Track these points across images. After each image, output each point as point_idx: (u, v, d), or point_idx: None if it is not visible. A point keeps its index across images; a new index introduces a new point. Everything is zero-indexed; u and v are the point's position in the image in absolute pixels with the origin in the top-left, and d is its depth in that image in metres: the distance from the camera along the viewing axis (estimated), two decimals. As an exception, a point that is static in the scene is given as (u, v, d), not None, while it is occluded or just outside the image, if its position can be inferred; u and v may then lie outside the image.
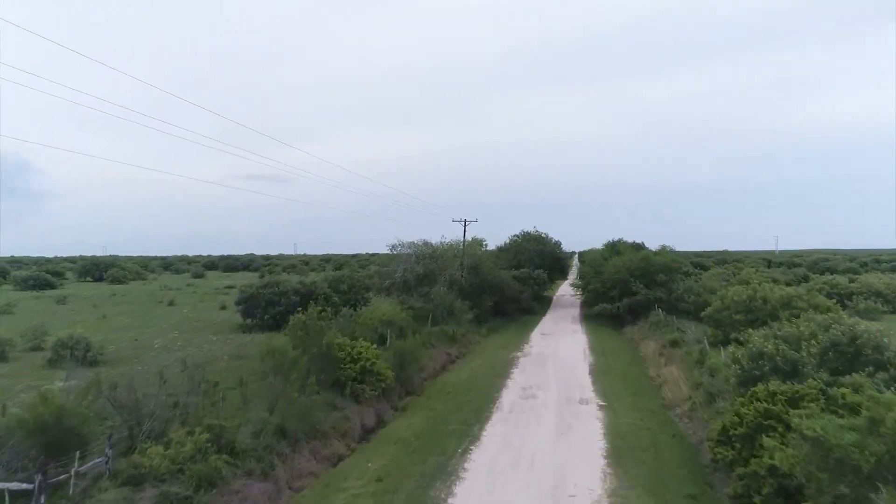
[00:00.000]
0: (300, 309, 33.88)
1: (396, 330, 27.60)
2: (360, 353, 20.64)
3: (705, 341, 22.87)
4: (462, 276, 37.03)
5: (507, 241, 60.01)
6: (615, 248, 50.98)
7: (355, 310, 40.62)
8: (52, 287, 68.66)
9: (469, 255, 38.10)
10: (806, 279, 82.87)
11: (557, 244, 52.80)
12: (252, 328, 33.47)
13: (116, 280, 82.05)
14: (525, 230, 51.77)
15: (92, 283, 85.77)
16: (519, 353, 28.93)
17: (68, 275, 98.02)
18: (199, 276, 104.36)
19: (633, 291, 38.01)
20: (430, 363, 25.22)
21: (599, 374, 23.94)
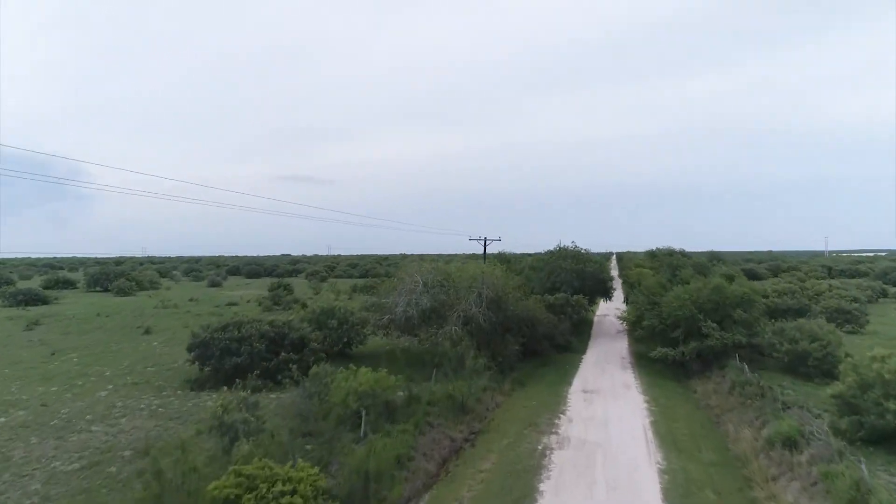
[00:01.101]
0: (268, 358, 26.09)
1: (379, 408, 19.36)
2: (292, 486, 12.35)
3: (863, 470, 13.78)
4: (481, 312, 28.49)
5: (538, 255, 51.28)
6: (673, 268, 41.65)
7: (350, 348, 32.70)
8: (45, 302, 62.66)
9: (490, 283, 29.49)
10: (884, 294, 71.50)
11: (600, 261, 43.60)
12: (205, 383, 25.68)
13: (121, 291, 76.14)
14: (562, 244, 42.92)
15: (98, 293, 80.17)
16: (552, 438, 20.27)
17: (80, 283, 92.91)
18: (215, 284, 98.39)
19: (704, 333, 28.87)
20: (419, 469, 16.80)
21: (678, 499, 15.17)
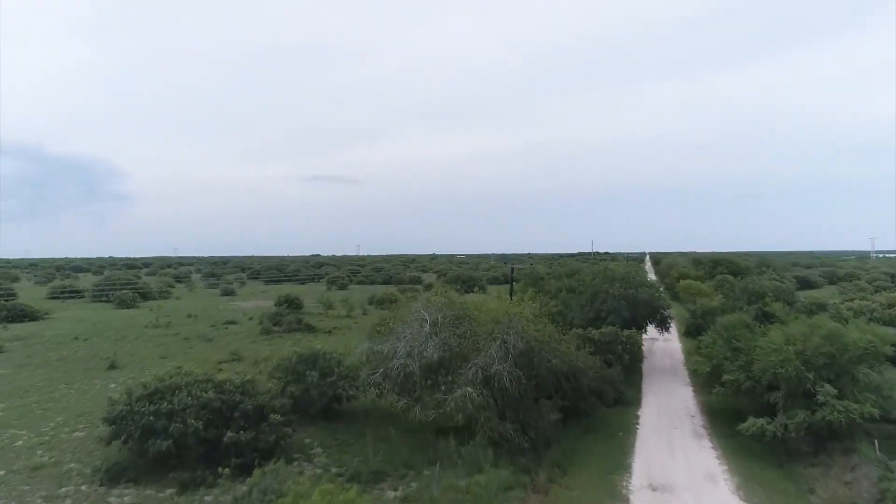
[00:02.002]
0: (208, 439, 18.74)
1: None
2: None
3: None
4: (506, 369, 20.65)
5: (568, 262, 43.25)
6: (749, 293, 33.04)
7: (338, 403, 25.26)
8: (33, 318, 56.98)
9: (519, 329, 21.57)
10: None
11: (654, 285, 35.20)
12: (123, 473, 18.45)
13: (123, 303, 70.40)
14: (594, 248, 35.15)
15: (101, 304, 74.72)
16: None
17: (88, 291, 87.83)
18: (228, 293, 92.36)
19: (818, 400, 20.54)
20: None
21: None
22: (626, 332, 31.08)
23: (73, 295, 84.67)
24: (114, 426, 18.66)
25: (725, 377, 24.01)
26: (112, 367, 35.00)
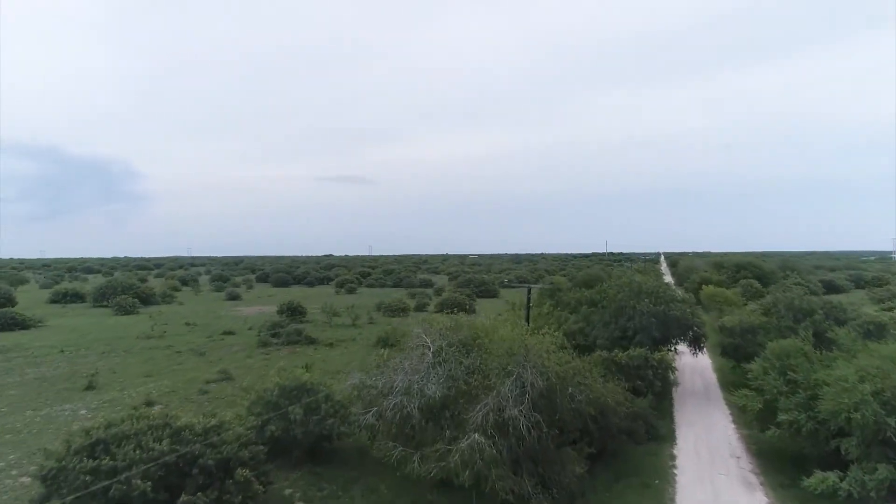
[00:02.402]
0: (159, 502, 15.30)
1: None
2: None
3: None
4: (523, 413, 17.10)
5: (586, 266, 39.55)
6: (795, 311, 29.05)
7: (328, 441, 21.84)
8: (24, 327, 54.28)
9: (538, 364, 17.97)
10: None
11: (689, 301, 31.21)
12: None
13: (122, 309, 67.66)
14: (608, 248, 31.52)
15: (100, 309, 72.10)
16: None
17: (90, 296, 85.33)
18: (234, 297, 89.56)
19: (904, 454, 16.74)
20: None
21: None
22: (658, 354, 27.30)
23: (74, 299, 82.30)
24: (46, 486, 15.35)
25: (782, 416, 20.21)
26: (89, 387, 31.87)
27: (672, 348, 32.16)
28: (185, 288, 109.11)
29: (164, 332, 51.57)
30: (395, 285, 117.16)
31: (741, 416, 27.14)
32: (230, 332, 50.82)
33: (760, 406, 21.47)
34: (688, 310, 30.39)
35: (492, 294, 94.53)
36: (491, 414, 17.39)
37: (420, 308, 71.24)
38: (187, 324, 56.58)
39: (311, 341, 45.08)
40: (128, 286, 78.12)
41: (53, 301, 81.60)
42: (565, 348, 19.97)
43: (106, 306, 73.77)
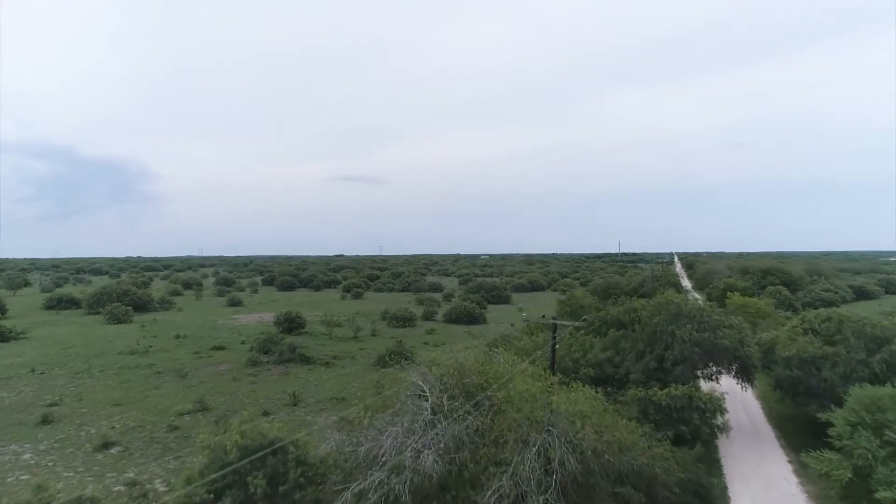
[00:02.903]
0: None
1: None
2: None
3: None
4: (546, 502, 12.66)
5: (611, 278, 35.06)
6: (872, 340, 24.25)
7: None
8: (5, 339, 50.55)
9: (568, 433, 13.49)
10: None
11: (739, 326, 26.35)
12: None
13: (114, 318, 63.91)
14: (621, 248, 27.05)
15: (94, 317, 68.42)
16: None
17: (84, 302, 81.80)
18: (235, 303, 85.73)
19: None
20: None
21: None
22: (707, 394, 22.65)
23: (69, 305, 78.82)
24: None
25: (883, 494, 15.54)
26: (45, 421, 27.76)
27: (714, 377, 27.45)
28: (187, 292, 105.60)
29: (150, 346, 47.57)
30: (404, 290, 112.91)
31: (804, 467, 22.46)
32: (220, 348, 46.72)
33: (850, 476, 16.78)
34: (737, 336, 25.62)
35: (504, 300, 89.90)
36: (506, 502, 12.94)
37: (428, 317, 66.87)
38: (177, 336, 52.58)
39: (306, 360, 40.81)
40: (123, 292, 74.43)
41: (48, 307, 78.19)
42: (607, 411, 15.39)
43: (100, 313, 70.14)
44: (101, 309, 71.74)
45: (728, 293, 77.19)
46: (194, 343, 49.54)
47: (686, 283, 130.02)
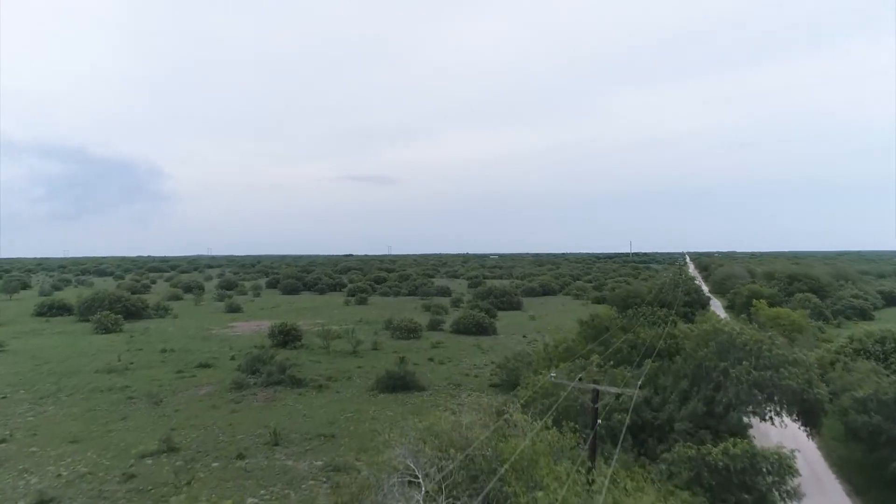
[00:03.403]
0: None
1: None
2: None
3: None
4: None
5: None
6: None
7: None
8: (-22, 352, 46.74)
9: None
10: None
11: (806, 363, 21.59)
12: None
13: (102, 327, 60.14)
14: (633, 248, 22.37)
15: (82, 325, 64.72)
16: None
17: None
18: (234, 309, 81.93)
19: None
20: None
21: None
22: (773, 451, 18.08)
23: (60, 312, 75.25)
24: None
25: None
26: (-17, 466, 23.68)
27: (768, 417, 22.76)
28: (187, 296, 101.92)
29: (131, 363, 43.57)
30: (410, 293, 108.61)
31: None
32: (206, 365, 42.56)
33: None
34: (804, 376, 20.95)
35: (514, 306, 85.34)
36: None
37: (434, 326, 62.50)
38: (163, 350, 48.53)
39: (296, 382, 36.56)
40: (116, 299, 70.68)
41: (39, 314, 74.63)
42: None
43: (91, 321, 66.43)
44: (92, 316, 68.11)
45: (754, 301, 72.21)
46: (180, 359, 45.49)
47: (703, 286, 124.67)
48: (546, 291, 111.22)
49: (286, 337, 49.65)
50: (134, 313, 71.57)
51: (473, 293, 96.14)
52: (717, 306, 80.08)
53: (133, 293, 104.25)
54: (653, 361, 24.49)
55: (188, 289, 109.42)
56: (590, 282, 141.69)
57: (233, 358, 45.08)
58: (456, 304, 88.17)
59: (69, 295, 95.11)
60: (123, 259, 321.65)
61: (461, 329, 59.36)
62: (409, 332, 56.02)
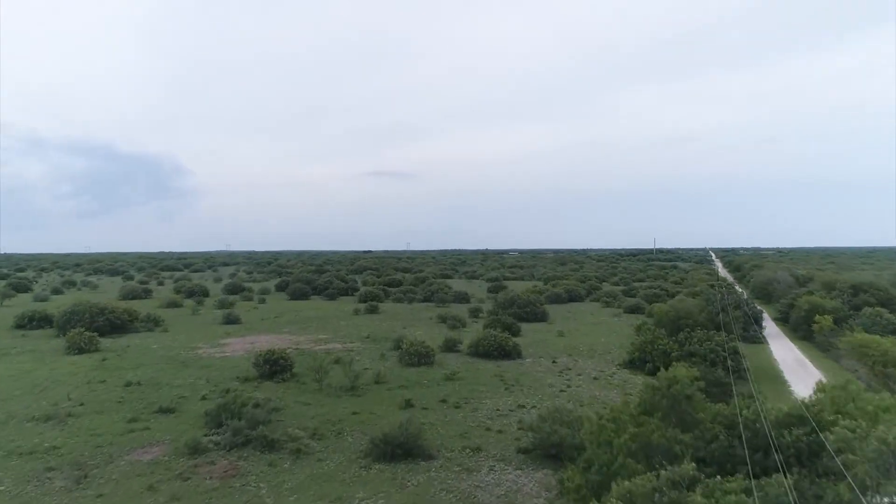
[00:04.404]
0: None
1: None
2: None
3: None
4: None
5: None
6: None
7: None
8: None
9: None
10: None
11: None
12: None
13: (75, 347, 52.56)
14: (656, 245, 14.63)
15: (57, 340, 57.22)
16: None
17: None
18: (233, 321, 74.32)
19: None
20: None
21: None
22: None
23: (41, 324, 68.10)
24: None
25: None
26: None
27: None
28: (188, 301, 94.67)
29: (81, 405, 35.60)
30: (426, 299, 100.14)
31: None
32: (168, 410, 34.34)
33: None
34: None
35: (539, 317, 76.31)
36: None
37: (449, 347, 53.90)
38: (128, 384, 40.54)
39: (269, 445, 28.09)
40: (99, 311, 63.18)
41: (18, 326, 67.58)
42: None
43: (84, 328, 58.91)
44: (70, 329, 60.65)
45: (816, 317, 62.06)
46: (142, 397, 37.47)
47: (737, 288, 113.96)
48: (572, 297, 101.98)
49: (273, 367, 41.35)
50: (119, 327, 64.10)
51: (494, 300, 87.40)
52: (765, 318, 70.19)
53: (132, 298, 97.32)
54: (782, 467, 15.44)
55: (191, 293, 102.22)
56: (617, 284, 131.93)
57: (204, 397, 36.90)
58: (474, 313, 79.56)
59: (66, 301, 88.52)
60: (142, 256, 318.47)
61: (480, 352, 50.69)
62: (421, 356, 47.48)
